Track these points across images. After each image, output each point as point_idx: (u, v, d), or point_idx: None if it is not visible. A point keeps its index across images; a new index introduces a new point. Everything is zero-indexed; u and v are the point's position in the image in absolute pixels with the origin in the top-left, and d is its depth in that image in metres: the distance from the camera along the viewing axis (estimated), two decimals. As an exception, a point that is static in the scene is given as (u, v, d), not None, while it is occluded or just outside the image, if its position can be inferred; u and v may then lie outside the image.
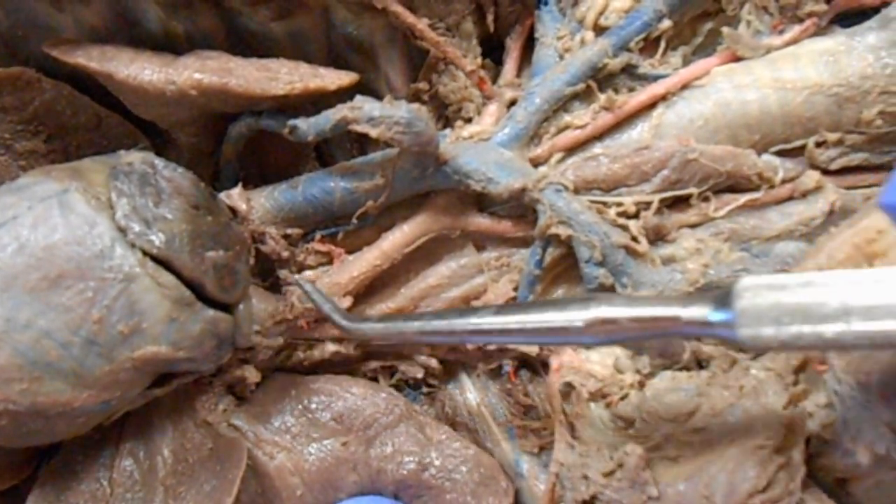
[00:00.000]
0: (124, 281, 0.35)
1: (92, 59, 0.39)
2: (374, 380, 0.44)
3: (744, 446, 0.34)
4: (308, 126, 0.39)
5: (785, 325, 0.26)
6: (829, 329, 0.26)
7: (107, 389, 0.36)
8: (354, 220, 0.41)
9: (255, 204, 0.42)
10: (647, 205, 0.39)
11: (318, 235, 0.42)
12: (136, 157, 0.39)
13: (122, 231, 0.36)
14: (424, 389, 0.44)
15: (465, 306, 0.41)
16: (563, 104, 0.40)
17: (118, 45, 0.42)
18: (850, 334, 0.26)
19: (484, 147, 0.40)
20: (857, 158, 0.39)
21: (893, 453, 0.30)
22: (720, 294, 0.29)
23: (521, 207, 0.40)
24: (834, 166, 0.39)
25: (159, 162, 0.39)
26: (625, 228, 0.38)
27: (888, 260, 0.33)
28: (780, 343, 0.27)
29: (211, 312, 0.38)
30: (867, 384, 0.31)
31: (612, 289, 0.39)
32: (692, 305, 0.29)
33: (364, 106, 0.37)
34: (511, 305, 0.39)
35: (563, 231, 0.38)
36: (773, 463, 0.33)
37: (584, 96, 0.41)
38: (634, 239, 0.38)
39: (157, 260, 0.36)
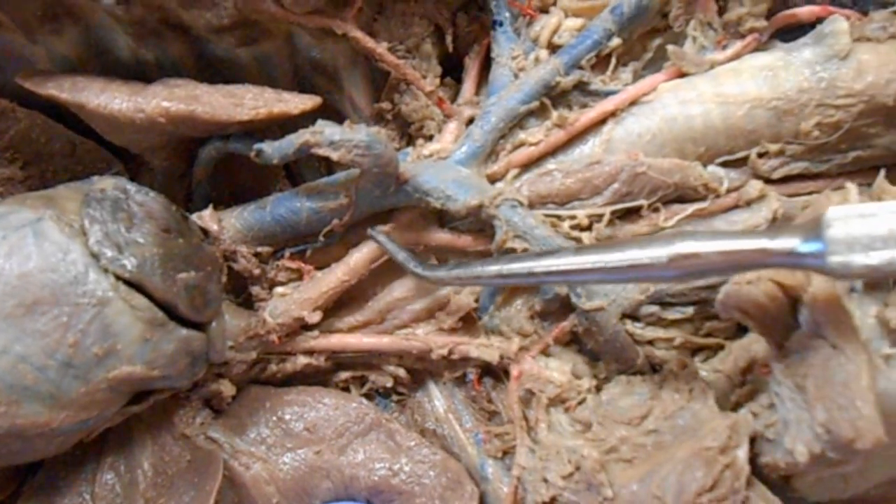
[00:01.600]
0: (98, 305, 0.37)
1: (63, 90, 0.41)
2: (346, 390, 0.46)
3: (692, 448, 0.36)
4: (273, 150, 0.40)
5: (876, 251, 0.27)
6: None
7: (84, 409, 0.38)
8: (321, 238, 0.42)
9: (226, 224, 0.44)
10: (600, 217, 0.40)
11: (287, 253, 0.44)
12: (108, 183, 0.40)
13: (95, 257, 0.37)
14: (394, 398, 0.46)
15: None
16: (518, 121, 0.42)
17: (90, 74, 0.43)
18: None
19: (442, 165, 0.41)
20: (797, 167, 0.40)
21: (828, 452, 0.32)
22: (808, 224, 0.29)
23: (479, 222, 0.42)
24: (776, 175, 0.41)
25: (131, 187, 0.40)
26: (578, 241, 0.40)
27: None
28: (871, 269, 0.27)
29: (184, 331, 0.40)
30: (803, 387, 0.33)
31: (567, 300, 0.40)
32: (780, 237, 0.29)
33: (325, 130, 0.39)
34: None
35: (518, 245, 0.40)
36: (719, 463, 0.35)
37: (539, 113, 0.42)
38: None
39: (129, 283, 0.38)
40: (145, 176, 0.47)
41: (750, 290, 0.35)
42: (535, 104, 0.42)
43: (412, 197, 0.41)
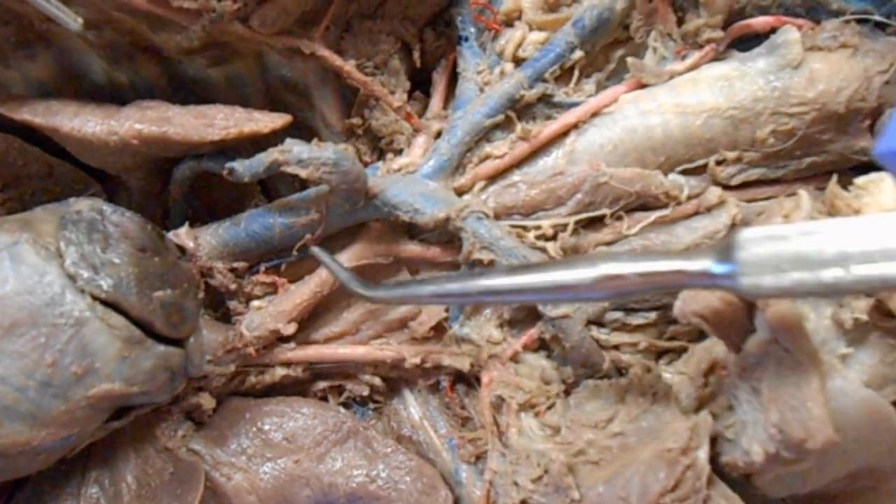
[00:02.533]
0: (75, 325, 0.38)
1: (37, 114, 0.42)
2: (324, 399, 0.47)
3: (655, 450, 0.37)
4: (244, 168, 0.41)
5: (785, 273, 0.27)
6: (828, 274, 0.27)
7: (65, 427, 0.39)
8: (295, 252, 0.43)
9: (202, 241, 0.45)
10: (564, 227, 0.41)
11: (262, 268, 0.45)
12: (84, 205, 0.41)
13: (72, 278, 0.38)
14: (371, 406, 0.47)
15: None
16: (484, 135, 0.43)
17: (66, 97, 0.44)
18: (849, 279, 0.26)
19: (410, 179, 0.42)
20: (754, 174, 0.42)
21: (782, 452, 0.33)
22: (721, 246, 0.30)
23: (448, 234, 0.43)
24: (734, 182, 0.42)
25: (107, 208, 0.41)
26: (543, 250, 0.41)
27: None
28: (780, 290, 0.28)
29: (162, 348, 0.41)
30: (758, 389, 0.34)
31: (534, 308, 0.42)
32: (695, 259, 0.30)
33: (293, 149, 0.40)
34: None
35: (485, 256, 0.41)
36: (681, 464, 0.36)
37: (505, 126, 0.44)
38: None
39: (106, 303, 0.39)
40: (122, 196, 0.48)
41: (706, 296, 0.36)
42: (501, 117, 0.43)
43: (381, 211, 0.42)
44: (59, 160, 0.46)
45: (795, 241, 0.28)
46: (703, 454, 0.36)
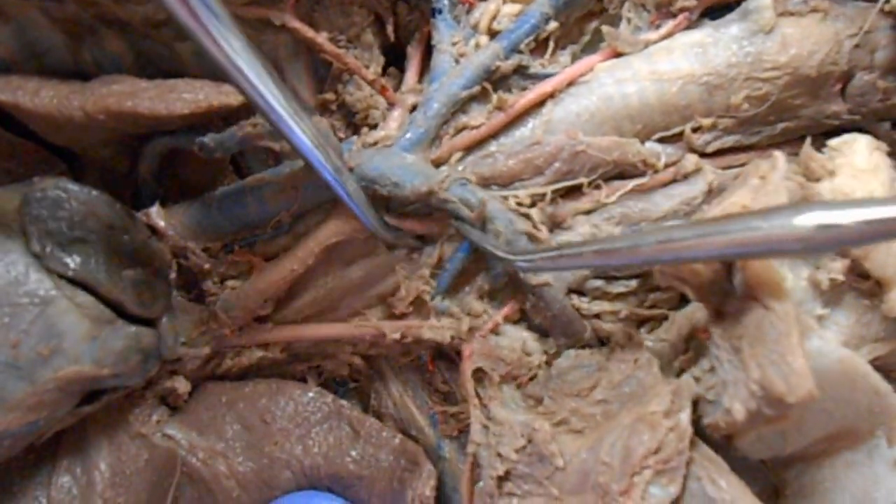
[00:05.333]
0: (41, 304, 0.36)
1: (-2, 90, 0.40)
2: (303, 380, 0.46)
3: (637, 413, 0.37)
4: (215, 143, 0.40)
5: None
6: None
7: (32, 411, 0.37)
8: (269, 230, 0.42)
9: (174, 220, 0.43)
10: (542, 196, 0.41)
11: (236, 247, 0.44)
12: (49, 183, 0.40)
13: (37, 256, 0.37)
14: (351, 385, 0.46)
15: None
16: (460, 106, 0.43)
17: (27, 75, 0.43)
18: None
19: (388, 152, 0.42)
20: (729, 141, 0.42)
21: (763, 408, 0.33)
22: None
23: (427, 207, 0.42)
24: (710, 149, 0.42)
25: (73, 186, 0.40)
26: (528, 217, 0.40)
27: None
28: None
29: (133, 328, 0.39)
30: (739, 348, 0.34)
31: (515, 279, 0.41)
32: None
33: (265, 121, 0.39)
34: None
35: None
36: (663, 427, 0.36)
37: (481, 98, 0.43)
38: (535, 226, 0.40)
39: (73, 282, 0.37)
40: (89, 176, 0.46)
41: (686, 258, 0.36)
42: (477, 89, 0.42)
43: (359, 185, 0.41)
44: (22, 139, 0.44)
45: None
46: (685, 416, 0.36)
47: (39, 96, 0.40)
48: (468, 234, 0.41)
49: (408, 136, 0.42)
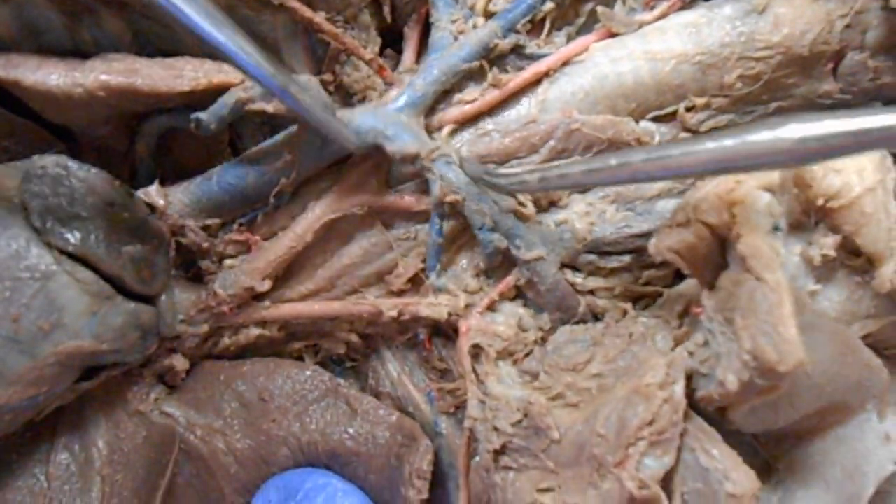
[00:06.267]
0: (41, 279, 0.37)
1: (-3, 67, 0.41)
2: (300, 359, 0.46)
3: (632, 386, 0.37)
4: (209, 115, 0.40)
5: None
6: None
7: (32, 385, 0.37)
8: (272, 200, 0.43)
9: (173, 199, 0.44)
10: (538, 174, 0.42)
11: (236, 225, 0.44)
12: (49, 161, 0.40)
13: (37, 231, 0.37)
14: (348, 364, 0.47)
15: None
16: (458, 80, 0.43)
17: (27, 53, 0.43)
18: None
19: (382, 110, 0.42)
20: (723, 119, 0.42)
21: (756, 379, 0.34)
22: None
23: (424, 184, 0.43)
24: (704, 128, 0.42)
25: (73, 164, 0.40)
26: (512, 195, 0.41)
27: (747, 206, 0.36)
28: None
29: (132, 305, 0.40)
30: (731, 320, 0.35)
31: (507, 251, 0.42)
32: None
33: (256, 85, 0.39)
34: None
35: (456, 198, 0.40)
36: (658, 398, 0.37)
37: (478, 76, 0.43)
38: (522, 204, 0.41)
39: (73, 257, 0.38)
40: (88, 155, 0.46)
41: (681, 231, 0.37)
42: (476, 64, 0.43)
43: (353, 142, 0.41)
44: (21, 119, 0.44)
45: None
46: (679, 388, 0.37)
47: (39, 73, 0.40)
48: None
49: (404, 97, 0.42)
